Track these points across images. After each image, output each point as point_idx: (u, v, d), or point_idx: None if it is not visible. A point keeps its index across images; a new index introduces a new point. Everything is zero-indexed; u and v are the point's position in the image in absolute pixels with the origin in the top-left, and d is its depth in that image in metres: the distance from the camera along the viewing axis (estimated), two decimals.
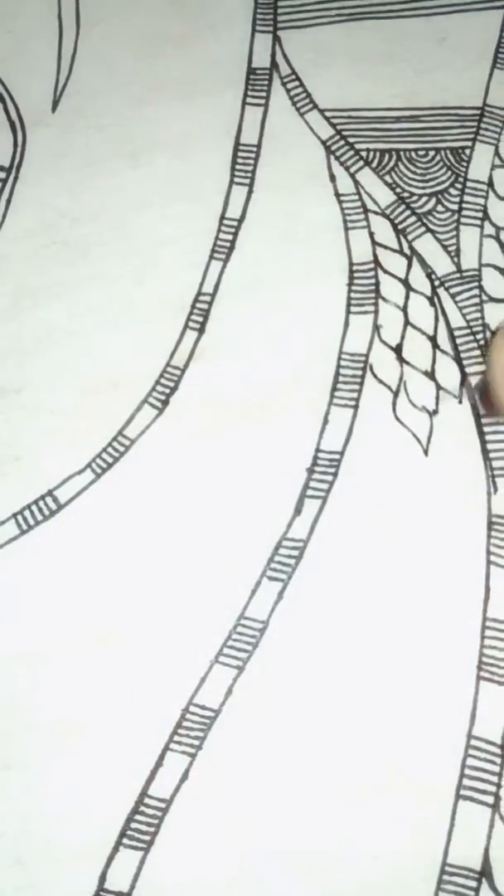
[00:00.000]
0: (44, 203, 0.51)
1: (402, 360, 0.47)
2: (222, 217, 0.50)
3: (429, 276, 0.48)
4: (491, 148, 0.51)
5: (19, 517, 0.44)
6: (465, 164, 0.51)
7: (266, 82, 0.54)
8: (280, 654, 0.41)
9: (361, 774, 0.39)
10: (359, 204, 0.50)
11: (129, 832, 0.39)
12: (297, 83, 0.54)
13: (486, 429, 0.45)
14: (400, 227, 0.50)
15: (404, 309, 0.48)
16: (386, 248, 0.49)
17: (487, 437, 0.45)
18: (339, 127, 0.52)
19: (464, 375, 0.46)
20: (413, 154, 0.51)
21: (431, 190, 0.50)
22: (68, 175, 0.52)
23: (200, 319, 0.48)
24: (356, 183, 0.51)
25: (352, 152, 0.52)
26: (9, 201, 0.52)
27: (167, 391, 0.47)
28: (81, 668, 0.42)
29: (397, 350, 0.47)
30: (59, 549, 0.44)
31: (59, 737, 0.40)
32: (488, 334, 0.47)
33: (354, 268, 0.49)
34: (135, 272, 0.49)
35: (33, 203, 0.52)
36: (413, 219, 0.50)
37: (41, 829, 0.39)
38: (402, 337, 0.47)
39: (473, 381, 0.46)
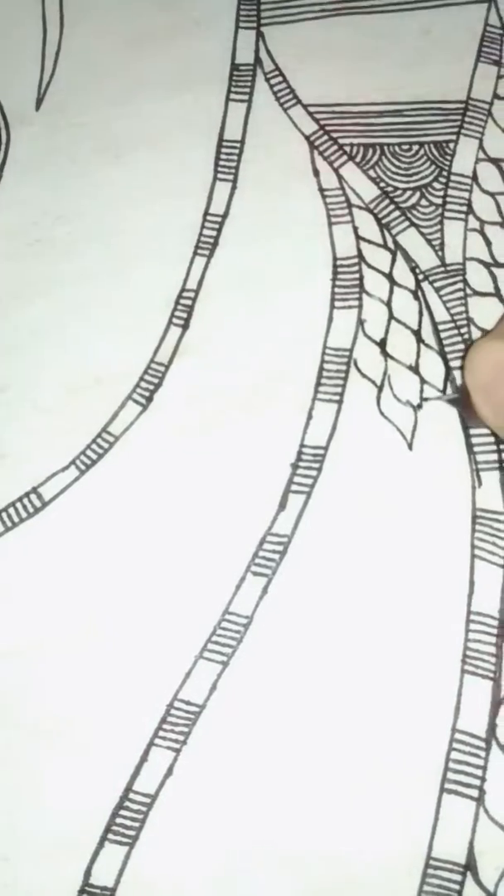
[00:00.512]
0: (27, 201, 0.52)
1: (386, 354, 0.47)
2: (206, 213, 0.50)
3: (413, 270, 0.48)
4: (475, 142, 0.51)
5: (3, 514, 0.44)
6: (449, 157, 0.51)
7: (250, 78, 0.54)
8: (265, 649, 0.41)
9: (346, 768, 0.39)
10: (343, 199, 0.50)
11: (114, 827, 0.39)
12: (280, 79, 0.54)
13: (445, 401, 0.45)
14: (384, 221, 0.50)
15: (388, 303, 0.48)
16: (370, 242, 0.49)
17: (471, 431, 0.45)
18: (322, 122, 0.52)
19: (448, 369, 0.46)
20: (397, 148, 0.51)
21: (415, 184, 0.50)
22: (52, 173, 0.52)
23: (184, 315, 0.48)
24: (340, 178, 0.51)
25: (335, 147, 0.52)
26: None
27: (151, 387, 0.47)
28: (66, 664, 0.42)
29: (381, 344, 0.47)
30: (43, 547, 0.44)
31: (44, 733, 0.40)
32: (472, 328, 0.47)
33: (338, 262, 0.49)
34: (118, 269, 0.50)
35: (17, 201, 0.52)
36: (397, 213, 0.50)
37: (26, 825, 0.39)
38: (387, 331, 0.47)
39: (456, 375, 0.46)
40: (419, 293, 0.48)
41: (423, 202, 0.50)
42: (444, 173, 0.51)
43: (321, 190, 0.51)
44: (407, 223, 0.50)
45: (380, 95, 0.53)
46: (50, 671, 0.42)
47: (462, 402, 0.42)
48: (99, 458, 0.45)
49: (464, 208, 0.50)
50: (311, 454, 0.45)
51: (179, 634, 0.42)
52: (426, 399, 0.44)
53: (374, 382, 0.46)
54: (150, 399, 0.47)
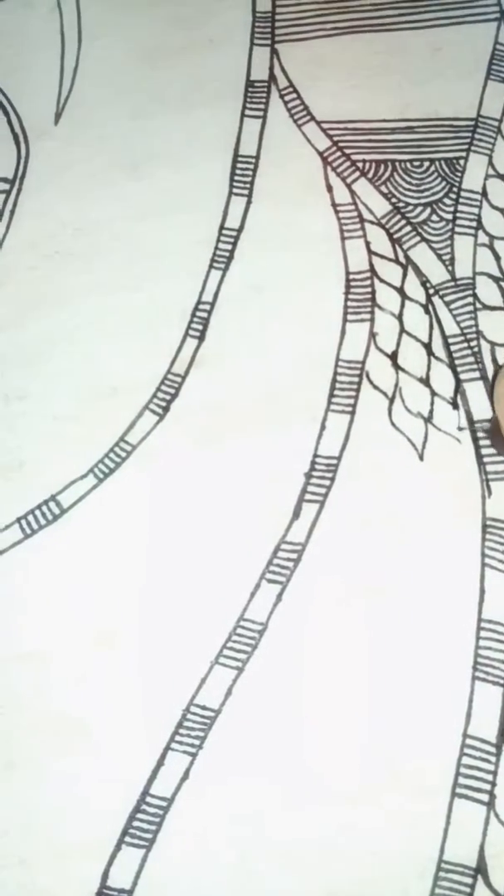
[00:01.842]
0: (46, 214, 0.52)
1: (397, 366, 0.48)
2: (221, 227, 0.51)
3: (423, 284, 0.49)
4: (485, 158, 0.52)
5: (23, 521, 0.45)
6: (459, 174, 0.52)
7: (264, 95, 0.55)
8: (279, 655, 0.42)
9: (359, 773, 0.40)
10: (355, 214, 0.51)
11: (131, 830, 0.39)
12: (294, 95, 0.55)
13: (479, 434, 0.46)
14: (395, 236, 0.51)
15: (400, 317, 0.49)
16: (382, 257, 0.50)
17: (481, 442, 0.46)
18: (335, 138, 0.53)
19: (458, 382, 0.47)
20: (408, 164, 0.52)
21: (426, 200, 0.51)
22: (70, 186, 0.53)
23: (200, 327, 0.49)
24: (352, 193, 0.52)
25: (348, 163, 0.53)
26: (12, 212, 0.53)
27: (168, 398, 0.48)
28: (85, 669, 0.42)
29: (393, 357, 0.48)
30: (62, 553, 0.45)
31: (63, 736, 0.41)
32: (482, 341, 0.48)
33: (351, 276, 0.50)
34: (136, 281, 0.50)
35: (36, 214, 0.53)
36: (408, 228, 0.51)
37: (45, 828, 0.40)
38: (398, 344, 0.48)
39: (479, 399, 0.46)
40: (430, 307, 0.49)
41: (434, 218, 0.51)
42: (455, 189, 0.51)
43: (334, 205, 0.52)
44: (418, 238, 0.50)
45: (391, 112, 0.54)
46: (68, 675, 0.42)
47: (492, 430, 0.44)
48: (116, 466, 0.46)
49: (474, 224, 0.51)
50: (325, 464, 0.46)
51: (195, 640, 0.42)
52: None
53: (385, 394, 0.47)
54: (166, 409, 0.47)
